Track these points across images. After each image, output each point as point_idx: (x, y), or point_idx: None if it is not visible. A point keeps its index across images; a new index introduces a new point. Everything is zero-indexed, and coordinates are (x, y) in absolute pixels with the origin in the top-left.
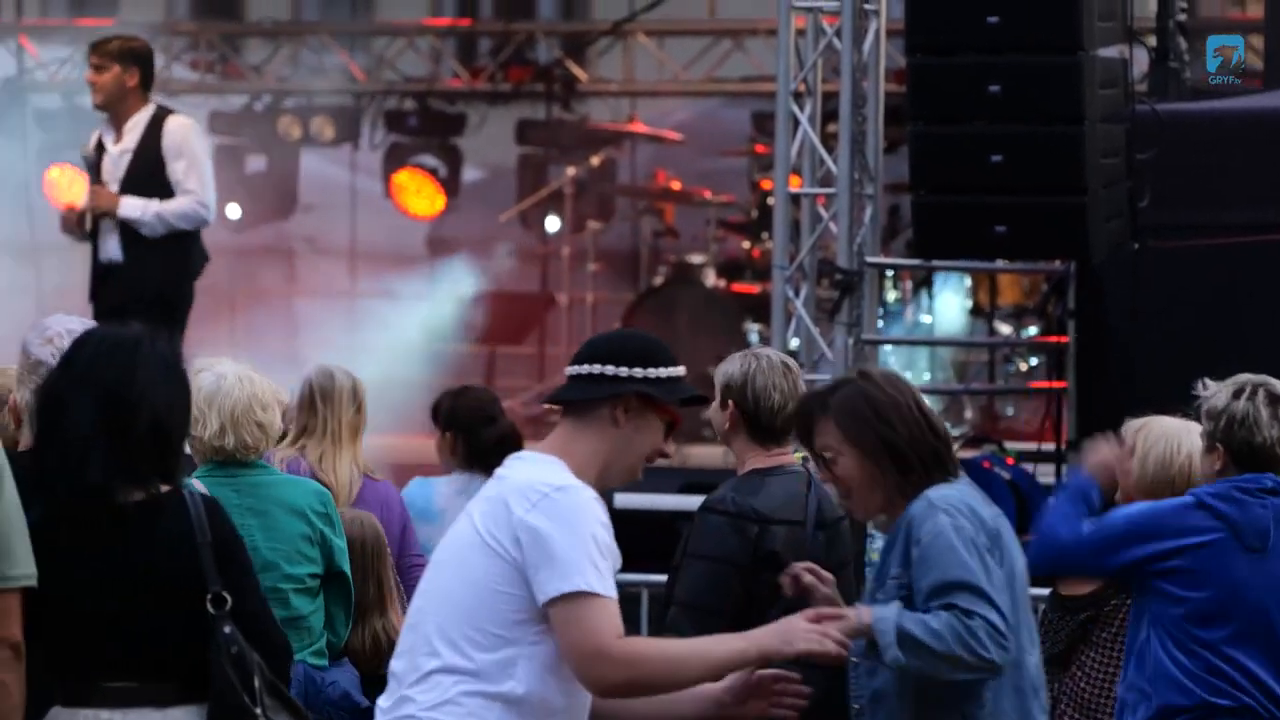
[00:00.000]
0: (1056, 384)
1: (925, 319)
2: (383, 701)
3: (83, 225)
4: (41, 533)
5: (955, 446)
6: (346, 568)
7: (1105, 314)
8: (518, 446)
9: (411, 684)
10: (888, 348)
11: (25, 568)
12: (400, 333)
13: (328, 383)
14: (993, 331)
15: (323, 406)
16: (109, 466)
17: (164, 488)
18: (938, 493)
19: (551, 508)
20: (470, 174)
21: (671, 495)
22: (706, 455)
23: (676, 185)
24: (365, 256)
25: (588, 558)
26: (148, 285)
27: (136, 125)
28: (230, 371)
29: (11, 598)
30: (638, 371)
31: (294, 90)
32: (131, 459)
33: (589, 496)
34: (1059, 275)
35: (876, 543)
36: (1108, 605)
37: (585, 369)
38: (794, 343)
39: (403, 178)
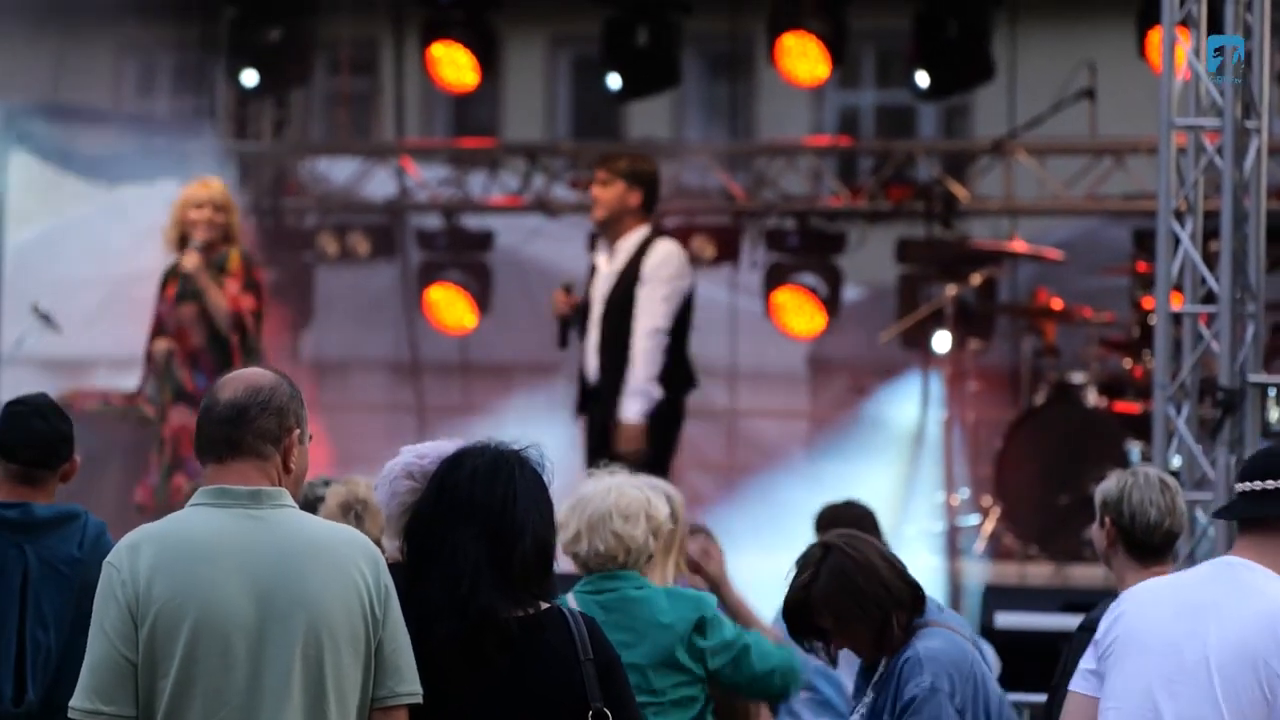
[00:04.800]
0: None
1: None
2: None
3: (571, 317)
4: (424, 654)
5: None
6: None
7: None
8: None
9: None
10: None
11: (412, 685)
12: (779, 452)
13: None
14: None
15: None
16: (496, 591)
17: (543, 605)
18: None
19: None
20: (850, 293)
21: (1052, 615)
22: (1088, 575)
23: (1057, 304)
24: (745, 376)
25: None
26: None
27: (628, 246)
28: (607, 482)
29: (400, 715)
30: None
31: (674, 210)
32: (516, 582)
33: None
34: None
35: None
36: None
37: None
38: (1176, 461)
39: (783, 296)
